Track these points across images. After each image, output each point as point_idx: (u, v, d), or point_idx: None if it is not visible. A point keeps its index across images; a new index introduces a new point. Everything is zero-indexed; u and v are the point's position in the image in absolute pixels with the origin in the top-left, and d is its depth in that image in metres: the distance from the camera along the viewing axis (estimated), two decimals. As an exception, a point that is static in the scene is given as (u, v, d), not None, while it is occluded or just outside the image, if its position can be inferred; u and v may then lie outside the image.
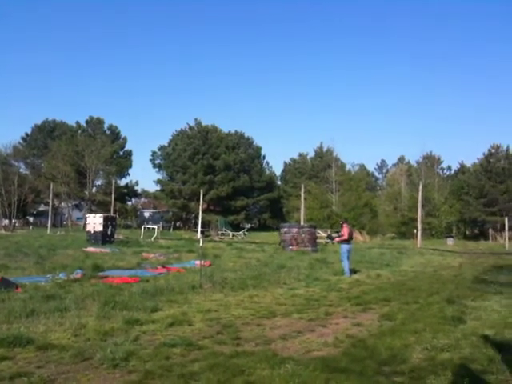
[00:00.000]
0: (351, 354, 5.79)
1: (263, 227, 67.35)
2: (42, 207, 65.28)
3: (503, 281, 12.66)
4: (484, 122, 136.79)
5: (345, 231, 14.95)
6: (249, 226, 67.89)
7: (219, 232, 45.17)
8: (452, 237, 43.33)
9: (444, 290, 11.17)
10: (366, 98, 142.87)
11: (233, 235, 43.34)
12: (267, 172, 74.05)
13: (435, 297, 10.12)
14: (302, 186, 38.44)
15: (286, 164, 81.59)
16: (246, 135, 71.32)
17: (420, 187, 36.51)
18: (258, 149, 71.55)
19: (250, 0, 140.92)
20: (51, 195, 47.28)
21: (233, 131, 69.42)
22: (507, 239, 37.19)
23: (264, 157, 73.08)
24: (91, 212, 46.53)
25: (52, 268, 13.30)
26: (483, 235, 53.99)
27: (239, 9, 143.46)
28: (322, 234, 35.06)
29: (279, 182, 78.69)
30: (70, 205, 60.31)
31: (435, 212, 53.16)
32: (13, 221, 48.97)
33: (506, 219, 39.04)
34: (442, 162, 73.73)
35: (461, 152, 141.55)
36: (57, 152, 57.03)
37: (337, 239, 15.41)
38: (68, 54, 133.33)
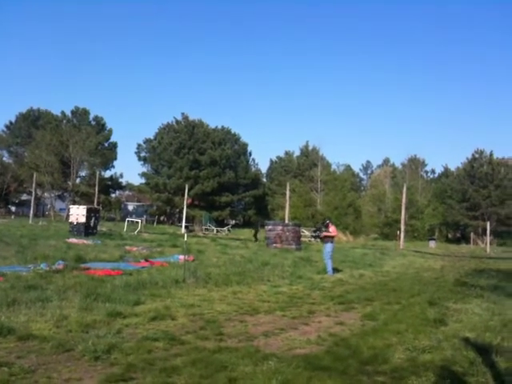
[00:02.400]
0: (334, 352, 5.81)
1: (248, 224, 67.31)
2: (24, 196, 64.51)
3: (484, 284, 12.79)
4: (468, 127, 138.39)
5: (332, 229, 15.06)
6: (233, 222, 67.83)
7: (203, 227, 45.04)
8: (434, 239, 43.77)
9: (426, 291, 11.26)
10: (354, 98, 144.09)
11: (217, 231, 43.26)
12: (253, 169, 74.00)
13: (417, 298, 10.20)
14: (287, 184, 38.44)
15: (271, 161, 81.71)
16: (232, 131, 71.18)
17: (404, 189, 36.77)
18: (245, 145, 71.42)
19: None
20: (34, 185, 46.72)
21: (220, 127, 69.20)
22: (488, 243, 37.72)
23: (250, 154, 73.06)
24: (74, 203, 45.98)
25: (34, 258, 13.13)
26: (465, 239, 54.62)
27: (226, 5, 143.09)
28: (306, 232, 35.19)
29: (265, 180, 78.73)
30: (52, 195, 59.65)
31: (418, 214, 53.65)
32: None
33: (488, 224, 39.58)
34: (426, 165, 74.56)
35: (445, 156, 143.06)
36: (41, 141, 56.26)
37: (324, 233, 15.41)
38: (56, 43, 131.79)
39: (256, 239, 31.97)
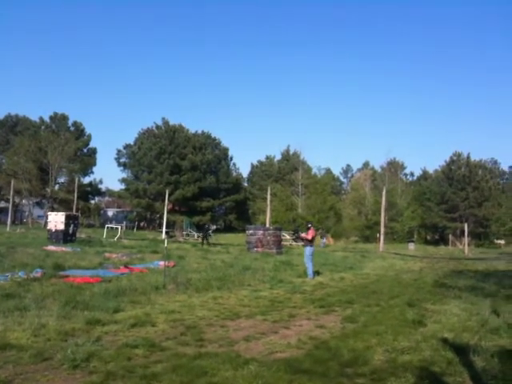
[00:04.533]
0: (314, 355, 5.84)
1: (229, 229, 67.23)
2: (1, 204, 63.40)
3: (462, 285, 12.96)
4: (446, 129, 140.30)
5: (310, 233, 15.14)
6: (214, 227, 67.63)
7: (184, 233, 44.84)
8: (413, 241, 44.27)
9: (405, 293, 11.39)
10: (333, 103, 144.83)
11: (198, 236, 43.11)
12: (234, 174, 73.99)
13: (396, 300, 10.31)
14: (268, 188, 38.54)
15: (253, 166, 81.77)
16: (213, 136, 71.14)
17: (383, 192, 37.11)
18: (225, 150, 71.37)
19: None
20: (12, 192, 46.02)
21: (200, 131, 69.14)
22: (466, 245, 38.24)
23: (231, 158, 73.01)
24: (53, 210, 45.50)
25: (11, 266, 12.92)
26: (443, 240, 55.33)
27: (208, 9, 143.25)
28: (287, 236, 35.29)
29: (246, 184, 78.76)
30: (31, 202, 58.89)
31: (398, 217, 54.19)
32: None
33: (466, 225, 40.15)
34: (405, 168, 75.61)
35: (423, 159, 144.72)
36: (19, 148, 55.55)
37: (302, 235, 15.63)
38: (34, 49, 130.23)
39: (203, 243, 31.15)
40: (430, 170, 71.42)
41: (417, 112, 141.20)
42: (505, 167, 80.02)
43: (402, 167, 73.75)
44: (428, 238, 63.87)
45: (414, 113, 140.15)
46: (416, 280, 14.92)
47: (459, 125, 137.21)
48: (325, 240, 40.58)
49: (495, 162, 75.54)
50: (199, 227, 51.51)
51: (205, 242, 31.46)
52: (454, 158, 59.91)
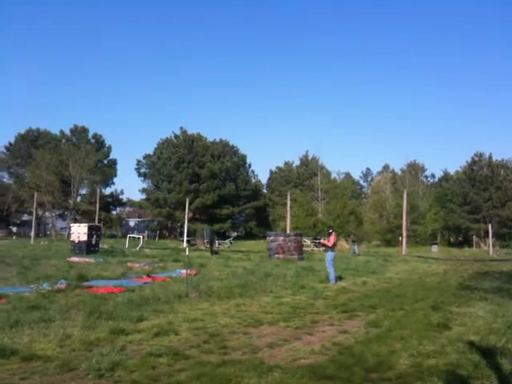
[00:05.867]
0: (338, 361, 5.80)
1: (249, 236, 67.24)
2: (25, 217, 64.55)
3: (487, 287, 12.77)
4: (467, 130, 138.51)
5: (331, 239, 15.06)
6: (235, 234, 67.78)
7: (205, 241, 45.00)
8: (436, 244, 43.73)
9: (429, 296, 11.25)
10: (352, 106, 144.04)
11: (219, 244, 43.22)
12: (253, 180, 74.03)
13: (420, 303, 10.19)
14: (288, 194, 38.51)
15: (271, 172, 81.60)
16: (231, 144, 71.48)
17: (404, 195, 36.81)
18: (244, 157, 71.60)
19: (240, 4, 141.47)
20: (35, 205, 46.72)
21: (218, 140, 69.48)
22: (491, 246, 37.66)
23: (250, 165, 73.19)
24: (75, 221, 46.04)
25: (36, 278, 13.12)
26: (467, 242, 54.52)
27: (223, 18, 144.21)
28: (308, 242, 35.15)
29: (265, 191, 78.67)
30: (53, 214, 59.71)
31: (420, 219, 53.57)
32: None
33: (490, 226, 39.54)
34: (425, 169, 74.64)
35: (444, 160, 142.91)
36: (41, 161, 56.47)
37: (323, 241, 15.63)
38: (52, 63, 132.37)
39: (212, 252, 29.12)
40: (451, 172, 70.61)
41: (436, 113, 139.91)
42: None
43: (423, 169, 72.90)
44: (451, 240, 63.01)
45: (433, 114, 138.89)
46: (440, 283, 14.74)
47: (480, 125, 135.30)
48: (356, 247, 33.31)
49: (517, 162, 74.26)
50: (218, 235, 51.67)
51: (210, 248, 30.16)
52: (476, 158, 59.13)
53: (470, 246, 49.91)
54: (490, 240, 38.66)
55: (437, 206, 57.12)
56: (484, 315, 8.65)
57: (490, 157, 58.17)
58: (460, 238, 62.20)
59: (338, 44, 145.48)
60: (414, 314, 8.99)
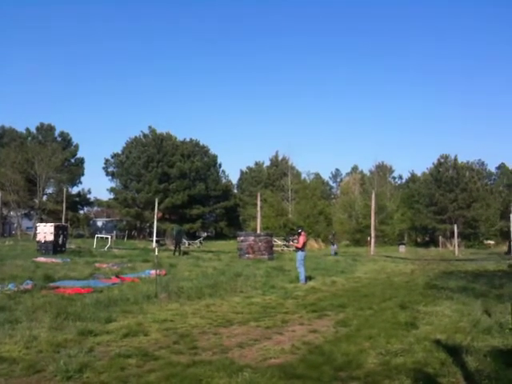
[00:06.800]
0: (308, 360, 5.85)
1: (220, 236, 67.10)
2: (-11, 217, 62.86)
3: (453, 286, 13.02)
4: (433, 132, 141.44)
5: (300, 239, 15.16)
6: (205, 234, 67.52)
7: (172, 241, 44.62)
8: (404, 244, 44.37)
9: (397, 295, 11.45)
10: (321, 107, 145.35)
11: (189, 244, 42.97)
12: (223, 180, 73.85)
13: (388, 303, 10.36)
14: (258, 194, 38.49)
15: (242, 172, 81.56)
16: (201, 143, 71.08)
17: (373, 195, 37.25)
18: (214, 157, 71.32)
19: (210, 4, 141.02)
20: (-1, 204, 45.59)
21: (188, 139, 69.06)
22: (456, 246, 38.46)
23: (220, 165, 72.94)
24: (42, 221, 45.01)
25: (1, 279, 12.80)
26: (433, 242, 55.49)
27: (197, 14, 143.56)
28: (278, 242, 35.27)
29: (235, 191, 78.59)
30: (19, 214, 58.26)
31: (388, 220, 54.39)
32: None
33: (455, 226, 40.39)
34: (393, 171, 75.91)
35: (411, 162, 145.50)
36: (5, 159, 55.06)
37: (291, 243, 15.76)
38: (19, 59, 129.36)
39: (178, 252, 28.00)
40: (418, 173, 71.86)
41: (404, 115, 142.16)
42: (492, 168, 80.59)
43: (391, 170, 74.08)
44: (418, 240, 64.09)
45: (401, 116, 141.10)
46: (407, 282, 14.99)
47: (446, 127, 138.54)
48: (336, 246, 33.15)
49: (482, 164, 76.23)
50: (188, 235, 51.36)
51: (175, 248, 28.99)
52: (442, 160, 60.31)
53: (436, 246, 50.82)
54: (456, 240, 39.46)
55: (404, 206, 58.03)
56: (450, 314, 8.84)
57: (456, 159, 59.43)
58: (426, 238, 63.35)
59: (306, 44, 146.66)
60: (382, 313, 9.13)
